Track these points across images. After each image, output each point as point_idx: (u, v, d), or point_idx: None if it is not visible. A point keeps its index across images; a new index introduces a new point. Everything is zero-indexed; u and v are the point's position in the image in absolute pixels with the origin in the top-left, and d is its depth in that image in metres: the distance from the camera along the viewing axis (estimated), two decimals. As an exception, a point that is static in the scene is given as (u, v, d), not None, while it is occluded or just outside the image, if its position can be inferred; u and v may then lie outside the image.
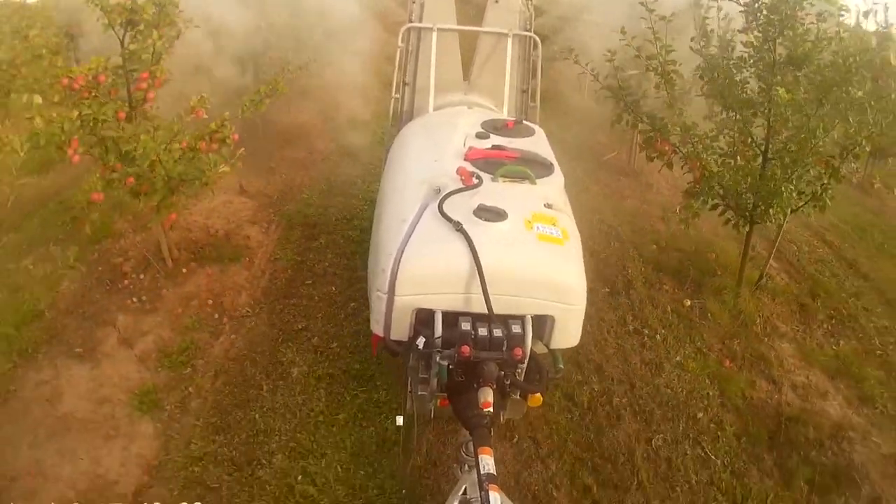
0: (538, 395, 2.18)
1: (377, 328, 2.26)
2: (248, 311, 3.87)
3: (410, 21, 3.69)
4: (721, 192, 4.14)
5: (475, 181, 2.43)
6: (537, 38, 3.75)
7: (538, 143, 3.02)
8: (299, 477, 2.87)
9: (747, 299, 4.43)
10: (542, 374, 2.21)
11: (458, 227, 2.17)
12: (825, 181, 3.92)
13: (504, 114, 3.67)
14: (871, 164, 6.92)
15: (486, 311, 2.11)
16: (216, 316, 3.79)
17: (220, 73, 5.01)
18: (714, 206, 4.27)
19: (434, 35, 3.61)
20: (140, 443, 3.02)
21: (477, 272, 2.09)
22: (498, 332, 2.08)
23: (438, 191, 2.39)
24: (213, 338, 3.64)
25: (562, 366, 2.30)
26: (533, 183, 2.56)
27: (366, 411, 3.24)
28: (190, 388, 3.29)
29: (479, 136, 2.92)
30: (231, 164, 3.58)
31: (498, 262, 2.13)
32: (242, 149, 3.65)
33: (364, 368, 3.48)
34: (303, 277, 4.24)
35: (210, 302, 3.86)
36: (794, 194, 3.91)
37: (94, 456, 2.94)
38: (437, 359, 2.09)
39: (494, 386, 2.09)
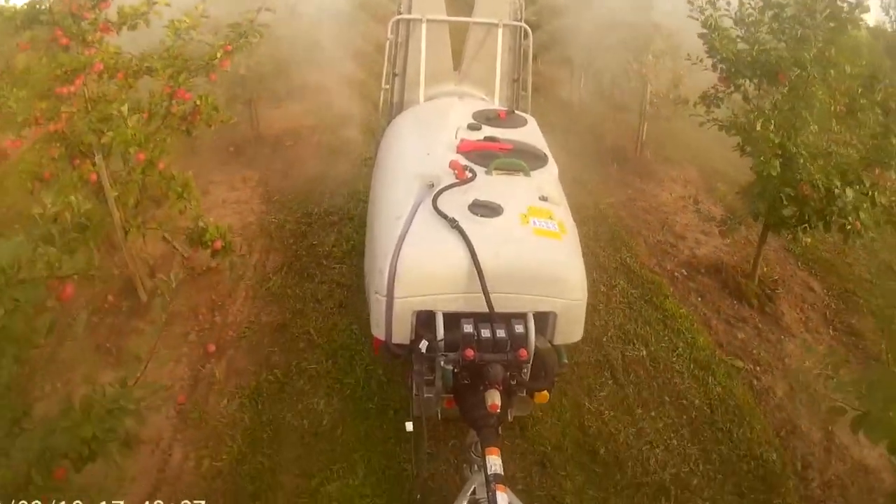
0: (545, 392, 2.16)
1: (378, 332, 2.22)
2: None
3: (399, 12, 3.69)
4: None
5: (468, 175, 2.39)
6: (527, 28, 3.78)
7: (531, 134, 3.02)
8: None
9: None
10: (548, 371, 2.18)
11: (454, 225, 2.14)
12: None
13: (496, 103, 3.69)
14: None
15: (487, 310, 2.07)
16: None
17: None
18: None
19: (423, 26, 3.61)
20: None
21: (476, 271, 2.05)
22: (501, 333, 2.05)
23: (432, 186, 2.37)
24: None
25: (566, 360, 2.26)
26: (527, 175, 2.53)
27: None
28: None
29: (471, 127, 2.92)
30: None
31: (495, 260, 2.10)
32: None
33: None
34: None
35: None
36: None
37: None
38: (442, 363, 2.05)
39: (501, 387, 2.05)
